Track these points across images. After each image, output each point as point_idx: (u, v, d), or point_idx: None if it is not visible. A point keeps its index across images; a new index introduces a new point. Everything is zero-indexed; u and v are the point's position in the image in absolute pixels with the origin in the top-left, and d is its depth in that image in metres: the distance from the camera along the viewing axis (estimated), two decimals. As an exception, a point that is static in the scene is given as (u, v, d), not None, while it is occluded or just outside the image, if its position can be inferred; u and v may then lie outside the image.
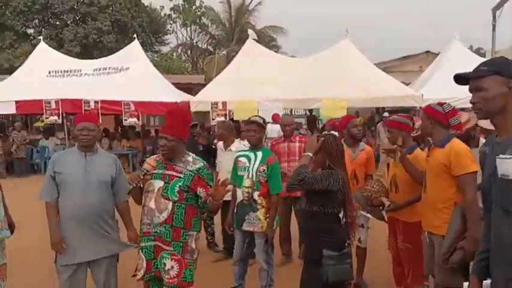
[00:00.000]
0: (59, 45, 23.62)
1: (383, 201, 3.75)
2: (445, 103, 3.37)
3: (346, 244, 2.97)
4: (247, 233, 3.93)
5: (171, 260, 2.90)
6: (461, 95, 11.06)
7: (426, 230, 3.25)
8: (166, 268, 2.90)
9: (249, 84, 11.33)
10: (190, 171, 2.93)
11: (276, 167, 3.91)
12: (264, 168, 3.83)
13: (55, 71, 12.27)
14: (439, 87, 11.13)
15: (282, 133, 5.34)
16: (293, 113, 12.65)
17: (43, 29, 26.20)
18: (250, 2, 26.93)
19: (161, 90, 11.96)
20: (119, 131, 14.67)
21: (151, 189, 2.93)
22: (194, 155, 3.06)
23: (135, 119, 11.29)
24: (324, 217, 2.91)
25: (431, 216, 3.16)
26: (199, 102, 11.52)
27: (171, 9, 27.97)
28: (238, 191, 3.93)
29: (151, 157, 3.09)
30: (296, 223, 5.13)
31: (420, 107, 11.03)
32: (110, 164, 3.30)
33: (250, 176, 3.87)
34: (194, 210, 2.97)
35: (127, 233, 3.39)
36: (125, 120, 11.34)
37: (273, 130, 9.64)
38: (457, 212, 2.99)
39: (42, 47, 13.53)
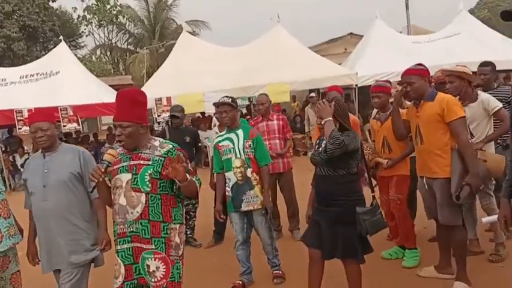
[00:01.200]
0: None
1: (379, 161, 4.05)
2: (421, 63, 3.68)
3: (372, 197, 3.21)
4: (244, 213, 3.95)
5: (155, 260, 2.52)
6: (391, 70, 11.93)
7: (425, 176, 3.58)
8: (151, 270, 2.53)
9: (190, 77, 11.29)
10: (158, 156, 2.57)
11: (259, 139, 3.99)
12: (250, 143, 3.90)
13: (-25, 82, 11.24)
14: (370, 66, 11.88)
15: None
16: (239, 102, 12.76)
17: None
18: (168, -3, 26.47)
19: (99, 91, 11.46)
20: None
21: (119, 185, 2.57)
22: (162, 139, 2.71)
23: (75, 124, 10.72)
24: (351, 177, 3.09)
25: (429, 164, 3.49)
26: (141, 100, 11.21)
27: (84, 9, 26.65)
28: (229, 174, 3.94)
29: (112, 149, 2.69)
30: (282, 198, 5.37)
31: (356, 85, 11.74)
32: (70, 159, 3.02)
33: (238, 156, 3.89)
34: (172, 200, 2.61)
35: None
36: (65, 126, 10.72)
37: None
38: (455, 155, 3.35)
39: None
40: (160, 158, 2.55)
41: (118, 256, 2.58)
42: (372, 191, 3.33)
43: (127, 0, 27.27)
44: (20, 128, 10.60)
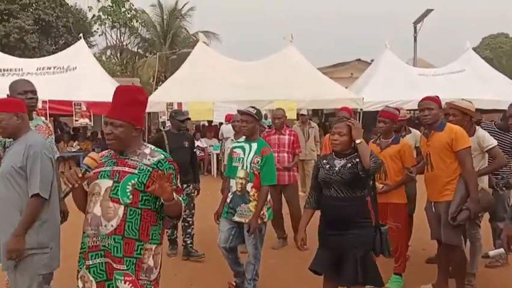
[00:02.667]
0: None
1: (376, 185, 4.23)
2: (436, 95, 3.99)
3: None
4: (236, 224, 3.93)
5: (125, 283, 2.22)
6: (395, 98, 12.36)
7: (432, 201, 3.89)
8: None
9: (202, 86, 11.64)
10: (146, 165, 2.28)
11: (270, 158, 3.91)
12: (258, 159, 3.85)
13: (-7, 70, 11.54)
14: (376, 92, 12.30)
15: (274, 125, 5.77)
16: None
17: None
18: (183, 6, 27.01)
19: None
20: (58, 132, 14.06)
21: (97, 192, 2.26)
22: (153, 146, 2.43)
23: (87, 120, 11.00)
24: (362, 200, 3.11)
25: (437, 189, 3.79)
26: (153, 103, 11.53)
27: (100, 9, 27.09)
28: (232, 182, 3.95)
29: (95, 152, 2.41)
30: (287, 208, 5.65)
31: (361, 109, 12.12)
32: (17, 151, 2.79)
33: (244, 167, 3.88)
34: (153, 217, 2.30)
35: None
36: (76, 120, 11.00)
37: (228, 130, 10.02)
38: (461, 181, 3.68)
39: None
40: (148, 168, 2.28)
41: (88, 273, 2.26)
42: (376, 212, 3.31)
43: (143, 5, 27.75)
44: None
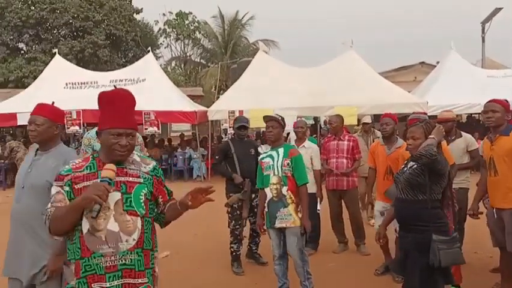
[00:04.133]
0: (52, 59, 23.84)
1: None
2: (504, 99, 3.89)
3: (453, 227, 3.22)
4: (279, 230, 3.99)
5: None
6: (462, 102, 11.91)
7: (496, 207, 3.78)
8: None
9: (262, 93, 11.89)
10: (146, 173, 2.22)
11: (299, 158, 3.98)
12: (288, 161, 3.91)
13: (72, 83, 12.57)
14: (442, 95, 11.94)
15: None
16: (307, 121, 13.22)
17: (36, 44, 26.27)
18: (244, 16, 27.66)
19: (179, 101, 12.42)
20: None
21: (105, 206, 2.06)
22: (138, 153, 2.34)
23: (155, 128, 11.65)
24: (432, 204, 3.02)
25: (501, 196, 3.70)
26: (216, 111, 12.00)
27: (165, 23, 28.44)
28: (266, 191, 4.01)
29: (111, 164, 2.12)
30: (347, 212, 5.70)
31: (426, 114, 11.78)
32: (53, 167, 2.67)
33: (276, 173, 3.94)
34: (154, 224, 2.29)
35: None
36: (146, 129, 11.68)
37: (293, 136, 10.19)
38: None
39: (57, 60, 13.83)
40: (149, 176, 2.21)
41: None
42: (454, 224, 3.30)
43: (205, 16, 28.77)
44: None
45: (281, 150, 4.00)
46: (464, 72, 12.64)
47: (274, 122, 4.04)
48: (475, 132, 13.59)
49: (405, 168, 3.15)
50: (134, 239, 2.09)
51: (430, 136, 3.10)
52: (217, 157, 5.30)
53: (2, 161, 11.87)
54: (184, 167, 12.94)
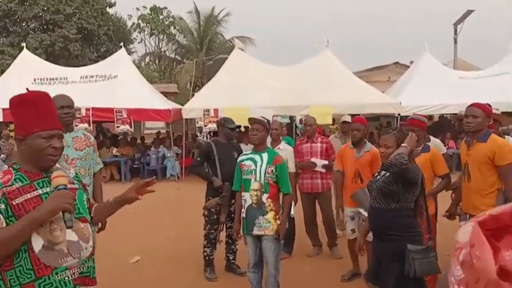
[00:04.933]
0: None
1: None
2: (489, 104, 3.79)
3: (428, 237, 3.16)
4: (257, 237, 3.89)
5: None
6: (435, 102, 12.09)
7: (468, 213, 3.72)
8: None
9: (238, 92, 11.75)
10: (74, 178, 2.11)
11: (284, 166, 3.90)
12: (272, 169, 3.81)
13: (40, 79, 12.12)
14: (415, 96, 12.08)
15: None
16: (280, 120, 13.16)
17: (3, 37, 25.36)
18: (220, 12, 27.40)
19: (152, 98, 12.14)
20: (101, 137, 14.59)
21: (56, 217, 1.88)
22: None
23: (127, 126, 11.37)
24: (405, 212, 2.99)
25: (474, 202, 3.65)
26: (190, 109, 11.81)
27: (139, 18, 27.91)
28: (245, 195, 3.89)
29: (59, 170, 2.01)
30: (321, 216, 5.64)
31: (399, 114, 11.91)
32: None
33: (258, 179, 3.81)
34: None
35: None
36: (118, 127, 11.39)
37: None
38: (500, 197, 3.52)
39: (25, 54, 13.34)
40: (77, 182, 2.11)
41: None
42: (429, 232, 3.25)
43: (180, 12, 28.36)
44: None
45: (265, 156, 3.86)
46: (437, 73, 12.83)
47: (259, 125, 3.90)
48: (447, 133, 13.91)
49: (378, 177, 3.12)
50: (91, 246, 2.02)
51: (402, 144, 3.05)
52: (198, 159, 5.13)
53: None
54: (157, 166, 12.64)
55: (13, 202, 1.84)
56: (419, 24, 63.43)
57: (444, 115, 15.81)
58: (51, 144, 1.93)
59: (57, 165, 2.04)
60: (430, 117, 14.28)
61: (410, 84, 12.91)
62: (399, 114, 11.88)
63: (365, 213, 4.00)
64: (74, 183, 2.06)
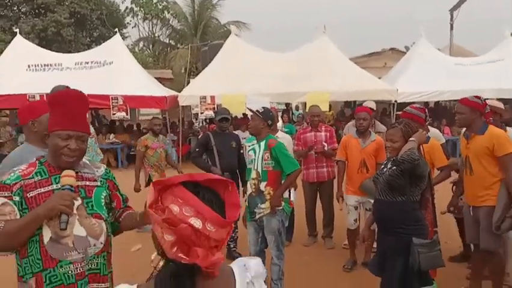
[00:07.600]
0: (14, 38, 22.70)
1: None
2: (479, 96, 3.85)
3: (434, 230, 3.22)
4: (260, 227, 3.96)
5: None
6: (432, 89, 12.10)
7: (471, 205, 3.80)
8: None
9: (234, 79, 11.69)
10: (99, 176, 2.13)
11: (279, 146, 3.83)
12: (268, 154, 3.84)
13: (35, 65, 11.97)
14: (412, 82, 12.08)
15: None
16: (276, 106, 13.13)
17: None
18: (214, -4, 27.04)
19: (148, 84, 12.06)
20: (96, 124, 14.52)
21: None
22: (88, 155, 2.28)
23: (124, 113, 11.31)
24: (411, 205, 3.02)
25: (476, 194, 3.71)
26: (187, 96, 11.75)
27: (132, 2, 27.51)
28: (249, 183, 3.99)
29: (69, 170, 1.98)
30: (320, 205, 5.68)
31: (396, 101, 11.93)
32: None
33: (255, 168, 3.90)
34: None
35: None
36: (114, 114, 11.33)
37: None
38: (503, 187, 3.56)
39: (19, 40, 13.15)
40: (103, 179, 2.13)
41: None
42: (435, 226, 3.28)
43: (174, -4, 27.95)
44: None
45: (262, 144, 3.90)
46: (433, 60, 12.82)
47: (254, 115, 3.97)
48: (443, 119, 13.99)
49: (385, 169, 3.13)
50: (101, 243, 2.03)
51: (411, 139, 3.06)
52: (196, 150, 5.15)
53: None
54: (153, 153, 12.61)
55: (28, 195, 1.91)
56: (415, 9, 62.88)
57: (440, 101, 15.86)
58: (67, 144, 1.95)
59: (85, 161, 2.09)
60: (426, 103, 14.33)
61: (406, 70, 12.90)
62: (396, 101, 11.91)
63: None
64: (96, 181, 2.08)
